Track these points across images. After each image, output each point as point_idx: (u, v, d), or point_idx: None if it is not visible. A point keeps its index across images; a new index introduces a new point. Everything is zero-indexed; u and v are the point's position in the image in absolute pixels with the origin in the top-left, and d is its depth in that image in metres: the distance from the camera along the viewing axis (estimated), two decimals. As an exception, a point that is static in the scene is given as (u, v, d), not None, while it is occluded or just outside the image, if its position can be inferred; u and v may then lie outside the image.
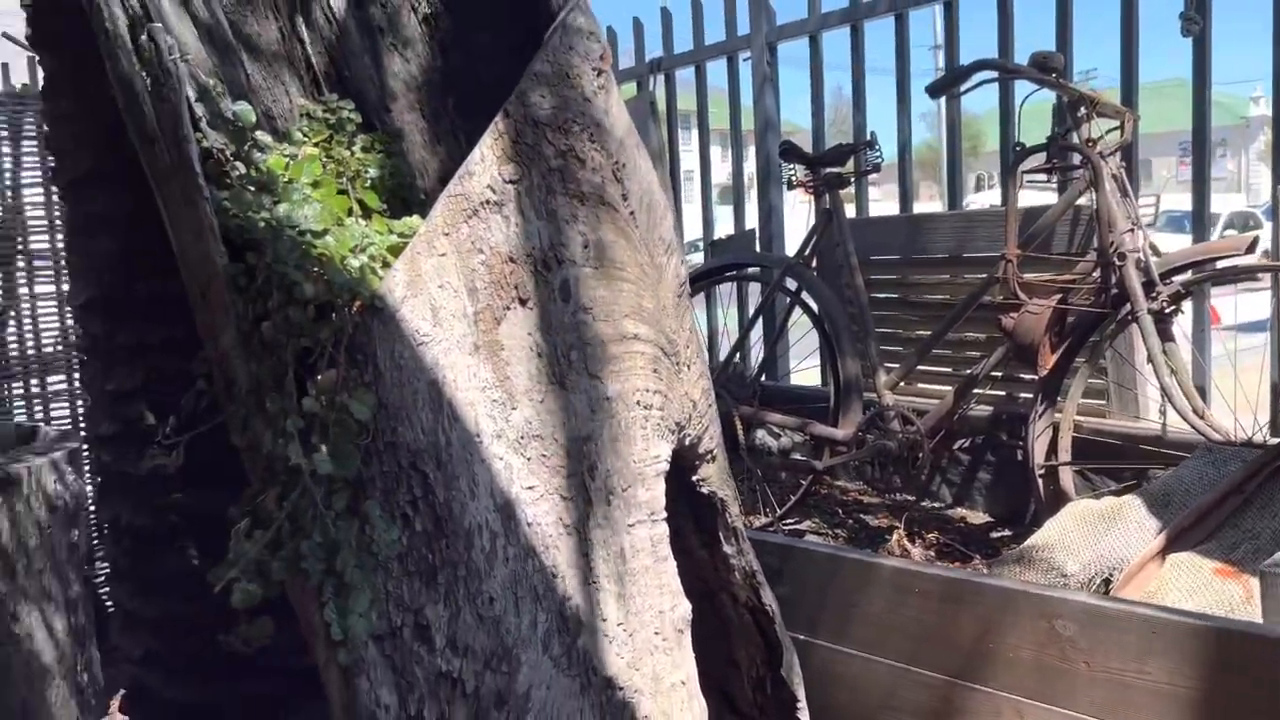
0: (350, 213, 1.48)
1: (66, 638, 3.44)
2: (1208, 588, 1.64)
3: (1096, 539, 1.84)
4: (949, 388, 2.90)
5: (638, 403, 1.34)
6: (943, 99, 3.27)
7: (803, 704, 1.72)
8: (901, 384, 3.03)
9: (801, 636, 1.83)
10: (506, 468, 1.25)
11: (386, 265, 1.29)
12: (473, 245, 1.24)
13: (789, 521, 3.06)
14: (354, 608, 1.19)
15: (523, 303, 1.26)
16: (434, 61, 1.67)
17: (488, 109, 1.35)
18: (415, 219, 1.34)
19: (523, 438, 1.27)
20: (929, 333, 3.00)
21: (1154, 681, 1.36)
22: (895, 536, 2.64)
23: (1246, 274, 2.38)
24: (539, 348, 1.26)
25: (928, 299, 3.34)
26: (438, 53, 1.66)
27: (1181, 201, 2.61)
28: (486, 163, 1.23)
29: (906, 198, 3.84)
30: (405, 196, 1.62)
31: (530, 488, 1.26)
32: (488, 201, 1.24)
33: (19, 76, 4.51)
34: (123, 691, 1.92)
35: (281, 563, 1.20)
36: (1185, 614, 1.38)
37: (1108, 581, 1.67)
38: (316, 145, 1.55)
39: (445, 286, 1.24)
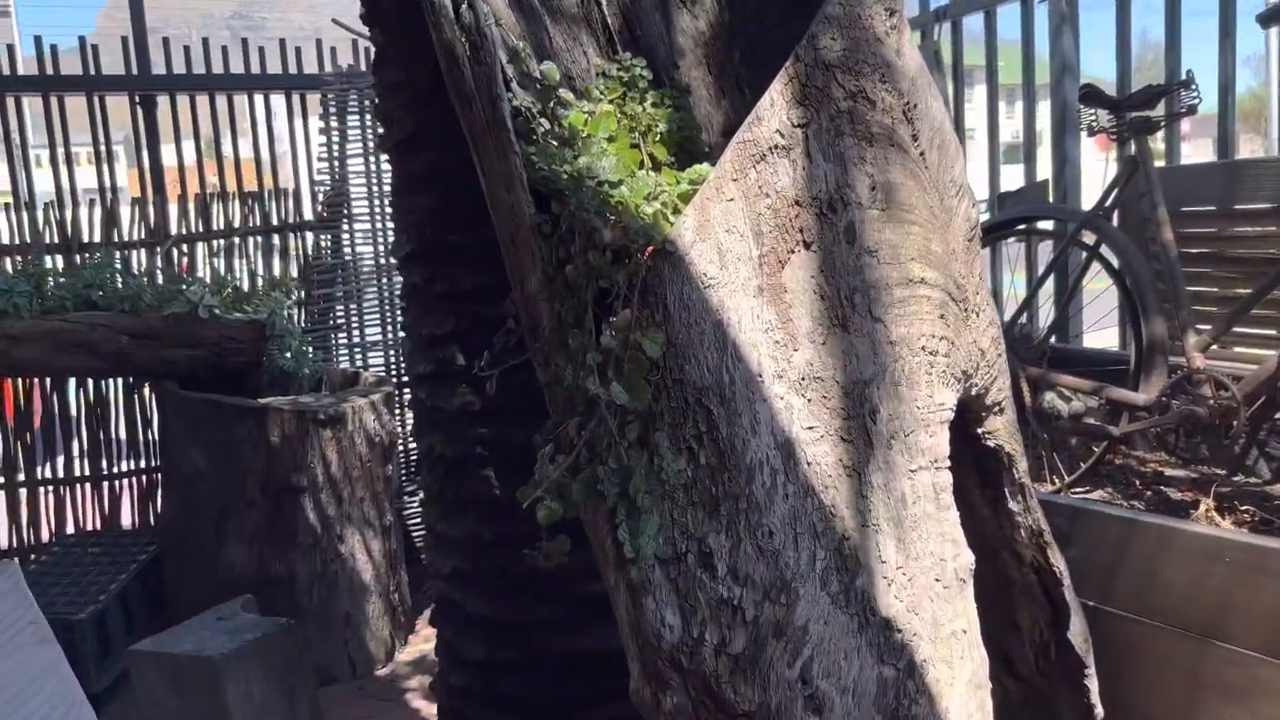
0: (641, 165, 1.56)
1: (382, 560, 3.89)
2: None
3: None
4: (1272, 351, 2.62)
5: (923, 348, 1.34)
6: (1274, 30, 2.92)
7: (1091, 671, 1.65)
8: (1215, 346, 2.77)
9: (1091, 603, 1.76)
10: (787, 408, 1.30)
11: (677, 211, 1.36)
12: (759, 190, 1.28)
13: (1078, 490, 2.90)
14: (644, 530, 1.28)
15: (807, 246, 1.29)
16: (720, 17, 1.72)
17: (774, 62, 1.38)
18: (704, 166, 1.40)
19: (803, 379, 1.30)
20: (1248, 290, 2.72)
21: None
22: (1202, 508, 2.44)
23: None
24: (821, 290, 1.29)
25: (1248, 253, 3.02)
26: (725, 7, 1.71)
27: None
28: (776, 108, 1.27)
29: (1226, 145, 3.47)
30: (692, 150, 1.68)
31: (810, 428, 1.30)
32: (775, 146, 1.27)
33: (344, 58, 5.06)
34: (433, 605, 2.15)
35: (581, 486, 1.31)
36: None
37: None
38: (611, 102, 1.65)
39: (732, 231, 1.29)
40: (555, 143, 1.47)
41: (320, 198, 4.78)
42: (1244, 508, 2.54)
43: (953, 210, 1.39)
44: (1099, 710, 1.66)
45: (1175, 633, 1.63)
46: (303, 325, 4.59)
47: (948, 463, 1.38)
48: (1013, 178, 4.57)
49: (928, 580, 1.35)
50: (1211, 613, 1.57)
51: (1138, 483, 2.93)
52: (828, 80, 1.27)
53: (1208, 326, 2.79)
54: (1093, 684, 1.65)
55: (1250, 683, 1.51)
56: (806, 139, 1.27)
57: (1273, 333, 2.89)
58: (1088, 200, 3.43)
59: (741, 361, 1.29)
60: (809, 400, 1.29)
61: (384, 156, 4.54)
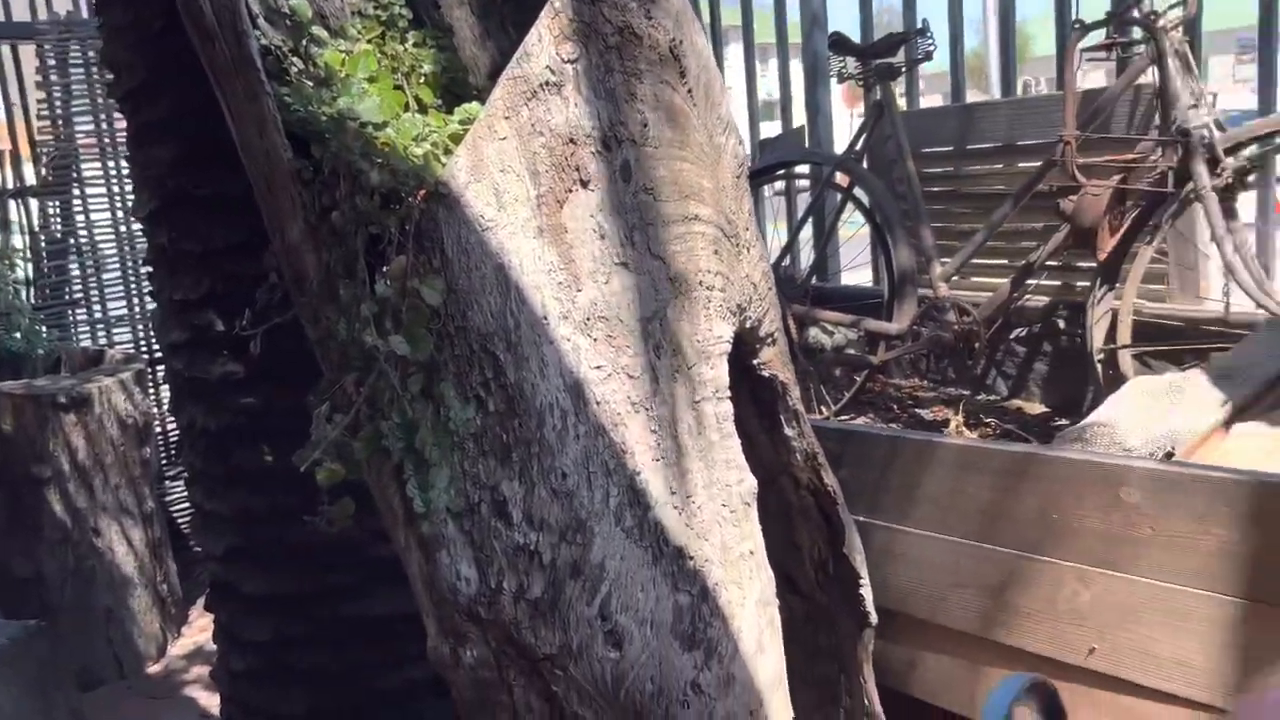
0: (406, 107, 1.50)
1: (145, 549, 3.62)
2: (1272, 457, 1.64)
3: (1159, 414, 1.84)
4: (1005, 279, 2.88)
5: (700, 283, 1.36)
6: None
7: (865, 580, 1.76)
8: (956, 276, 3.01)
9: (862, 519, 1.87)
10: (574, 349, 1.29)
11: (448, 153, 1.31)
12: (533, 128, 1.25)
13: (844, 418, 3.09)
14: (434, 483, 1.24)
15: (584, 185, 1.28)
16: (481, -47, 1.66)
17: (539, 2, 1.35)
18: (474, 105, 1.35)
19: (589, 319, 1.29)
20: (984, 224, 2.97)
21: (1220, 542, 1.38)
22: (953, 425, 2.66)
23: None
24: (602, 230, 1.28)
25: (982, 189, 3.29)
26: (485, -57, 1.65)
27: (1238, 101, 2.53)
28: (544, 43, 1.24)
29: (958, 91, 3.76)
30: (458, 92, 1.62)
31: (598, 367, 1.29)
32: (546, 83, 1.25)
33: (61, 5, 4.55)
34: (206, 591, 2.02)
35: (363, 443, 1.25)
36: (1252, 474, 1.39)
37: (1170, 455, 1.68)
38: (370, 42, 1.56)
39: (507, 171, 1.26)
40: (311, 83, 1.38)
41: (44, 160, 4.31)
42: (988, 420, 2.79)
43: (721, 147, 1.42)
44: (873, 616, 1.77)
45: (937, 538, 1.77)
46: (33, 303, 4.15)
47: (728, 393, 1.42)
48: (770, 133, 4.76)
49: (715, 507, 1.39)
50: (969, 517, 1.71)
51: (895, 407, 3.16)
52: (595, 15, 1.26)
53: (950, 259, 3.02)
54: (867, 593, 1.76)
55: (1006, 577, 1.66)
56: (577, 75, 1.25)
57: (1004, 262, 3.17)
58: (840, 147, 3.62)
59: (525, 304, 1.27)
60: (595, 340, 1.29)
61: (116, 110, 4.14)
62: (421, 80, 1.56)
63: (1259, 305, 2.26)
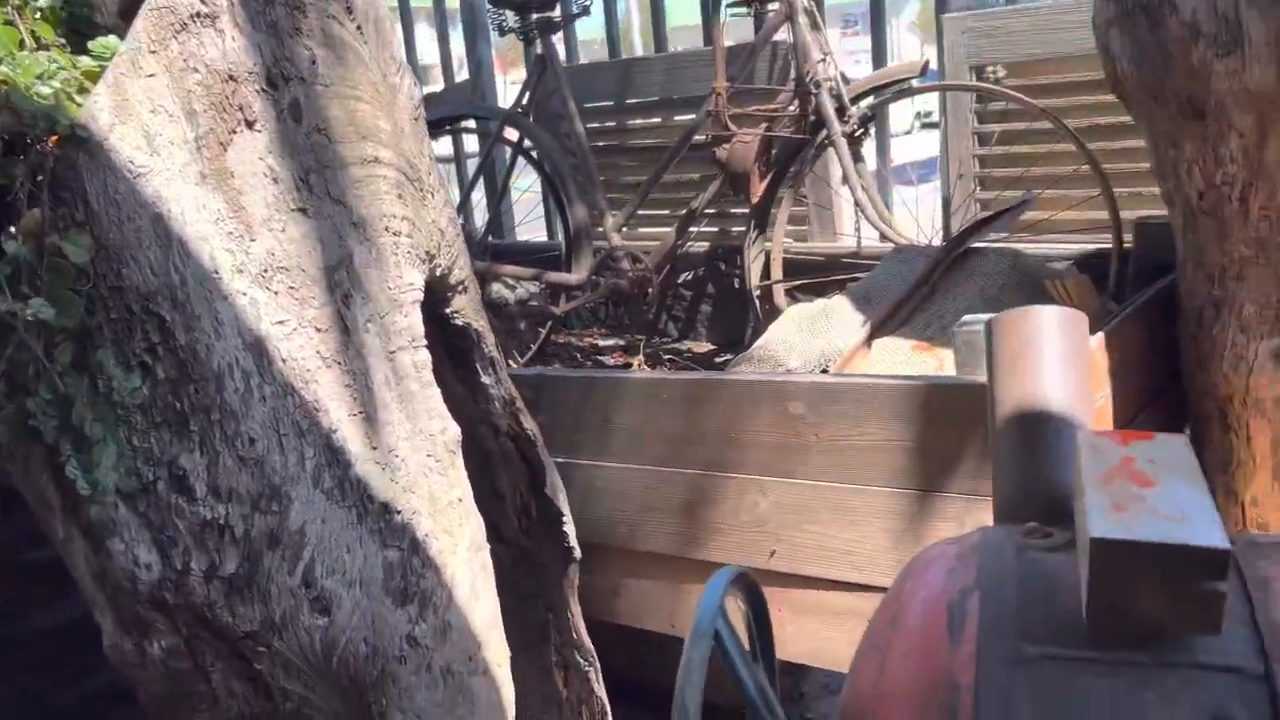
0: (22, 45, 1.31)
1: None
2: (909, 363, 1.87)
3: (812, 336, 2.04)
4: (670, 228, 3.04)
5: (386, 229, 1.31)
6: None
7: (568, 517, 1.81)
8: (626, 227, 3.12)
9: (562, 459, 1.91)
10: (252, 303, 1.19)
11: (84, 92, 1.16)
12: (186, 64, 1.14)
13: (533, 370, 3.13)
14: (100, 462, 1.11)
15: (250, 125, 1.18)
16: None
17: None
18: (112, 39, 1.21)
19: (266, 270, 1.20)
20: (648, 175, 3.10)
21: (873, 440, 1.55)
22: (635, 366, 2.78)
23: (920, 92, 2.64)
24: (274, 173, 1.20)
25: (644, 142, 3.43)
26: None
27: (848, 71, 2.84)
28: (191, -31, 1.12)
29: (614, 45, 3.88)
30: (84, 31, 1.44)
31: (281, 322, 1.21)
32: (197, 14, 1.13)
33: None
34: None
35: (6, 426, 1.10)
36: (894, 378, 1.57)
37: (825, 370, 1.87)
38: (-33, -32, 1.34)
39: (159, 111, 1.13)
40: (-103, 14, 1.16)
41: None
42: (665, 360, 2.94)
43: (396, 87, 1.37)
44: (577, 552, 1.82)
45: (632, 469, 1.84)
46: None
47: (424, 341, 1.38)
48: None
49: (420, 458, 1.35)
50: (658, 445, 1.79)
51: (579, 355, 3.25)
52: (248, -60, 1.16)
53: (620, 210, 3.13)
54: (570, 529, 1.81)
55: (694, 496, 1.77)
56: (232, 6, 1.15)
57: (668, 211, 3.34)
58: (503, 104, 3.62)
59: (191, 258, 1.16)
60: (276, 293, 1.20)
61: None
62: (37, 15, 1.37)
63: (885, 237, 2.56)
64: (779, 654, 1.89)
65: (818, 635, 1.70)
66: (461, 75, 4.34)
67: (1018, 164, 2.70)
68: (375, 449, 1.30)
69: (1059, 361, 0.91)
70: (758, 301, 2.71)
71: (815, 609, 1.68)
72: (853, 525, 1.61)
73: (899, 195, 3.30)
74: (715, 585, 0.86)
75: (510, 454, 1.80)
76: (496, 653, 1.49)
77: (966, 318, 1.47)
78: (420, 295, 1.39)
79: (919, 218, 2.73)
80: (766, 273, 2.72)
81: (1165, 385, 1.86)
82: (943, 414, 1.50)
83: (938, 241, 2.47)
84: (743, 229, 2.88)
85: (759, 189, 2.67)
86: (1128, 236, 2.19)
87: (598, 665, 2.02)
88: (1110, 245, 2.21)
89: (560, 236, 3.18)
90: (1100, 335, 1.56)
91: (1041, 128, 2.46)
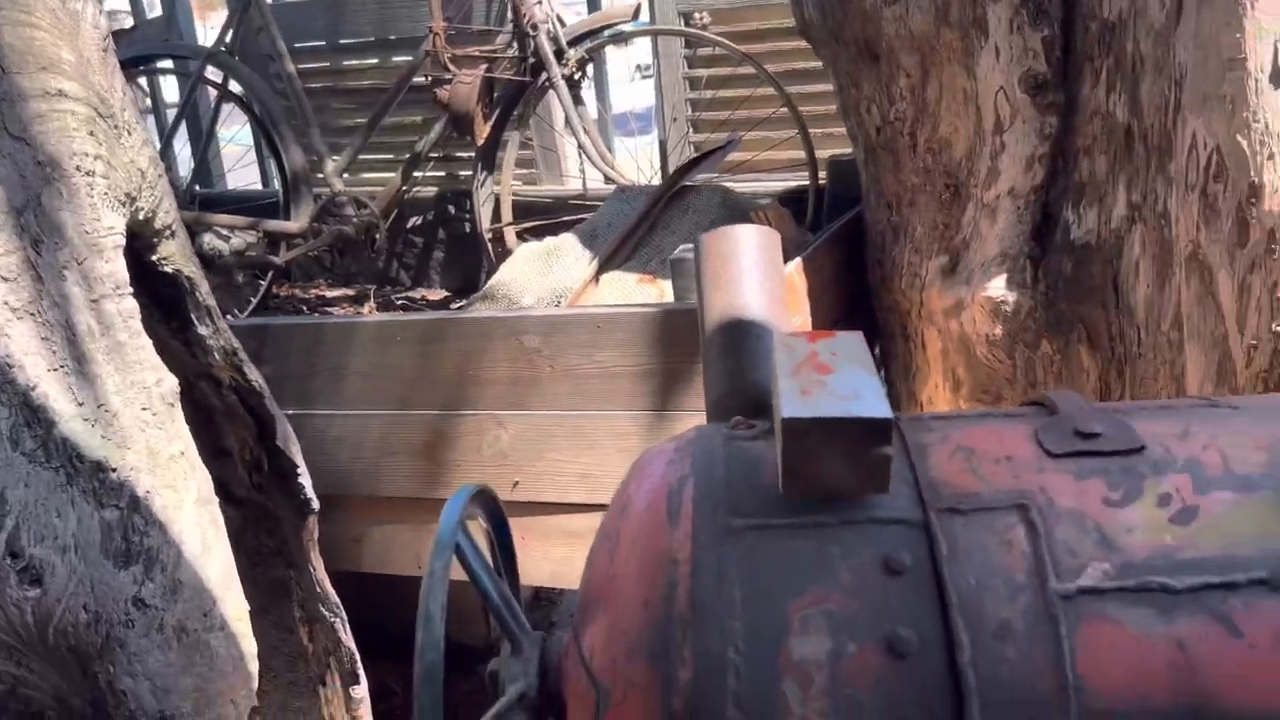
0: None
1: None
2: (635, 294, 1.97)
3: (543, 274, 2.09)
4: (395, 172, 2.97)
5: (78, 168, 1.22)
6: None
7: (302, 470, 1.77)
8: (348, 173, 3.03)
9: (293, 411, 1.86)
10: (-79, 252, 1.08)
11: None
12: None
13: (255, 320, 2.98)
14: None
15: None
16: None
17: None
18: None
19: (-62, 216, 1.09)
20: (367, 117, 3.02)
21: (603, 368, 1.63)
22: (366, 312, 2.72)
23: (633, 36, 2.74)
24: (-60, 108, 1.08)
25: (361, 84, 3.33)
26: None
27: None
28: None
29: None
30: None
31: (-42, 272, 1.11)
32: None
33: None
34: None
35: None
36: (620, 306, 1.66)
37: (558, 304, 1.92)
38: None
39: None
40: None
41: None
42: (399, 306, 2.90)
43: (78, 14, 1.26)
44: (314, 503, 1.79)
45: (368, 414, 1.83)
46: None
47: (129, 289, 1.30)
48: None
49: (135, 412, 1.28)
50: (394, 388, 1.79)
51: (305, 308, 3.13)
52: None
53: (340, 155, 3.03)
54: (305, 481, 1.77)
55: (434, 437, 1.78)
56: None
57: (391, 156, 3.27)
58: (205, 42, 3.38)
59: None
60: (-50, 240, 1.09)
61: None
62: None
63: (608, 179, 2.65)
64: (525, 581, 1.96)
65: (559, 558, 1.78)
66: (155, 14, 3.98)
67: (725, 107, 2.87)
68: (82, 405, 1.22)
69: (756, 274, 1.00)
70: (490, 245, 2.73)
71: (557, 533, 1.75)
72: (590, 450, 1.69)
73: (621, 144, 3.41)
74: (455, 500, 0.90)
75: (235, 408, 1.73)
76: (234, 608, 1.45)
77: (681, 248, 1.58)
78: (122, 240, 1.30)
79: (639, 161, 2.84)
80: (497, 215, 2.73)
81: (858, 305, 2.07)
82: (667, 338, 1.60)
83: (656, 181, 2.59)
84: (470, 173, 2.88)
85: (483, 131, 2.67)
86: (823, 174, 2.40)
87: (344, 616, 2.00)
88: (808, 182, 2.41)
89: (276, 183, 3.03)
90: (798, 261, 1.71)
91: (746, 72, 2.63)
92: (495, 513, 1.01)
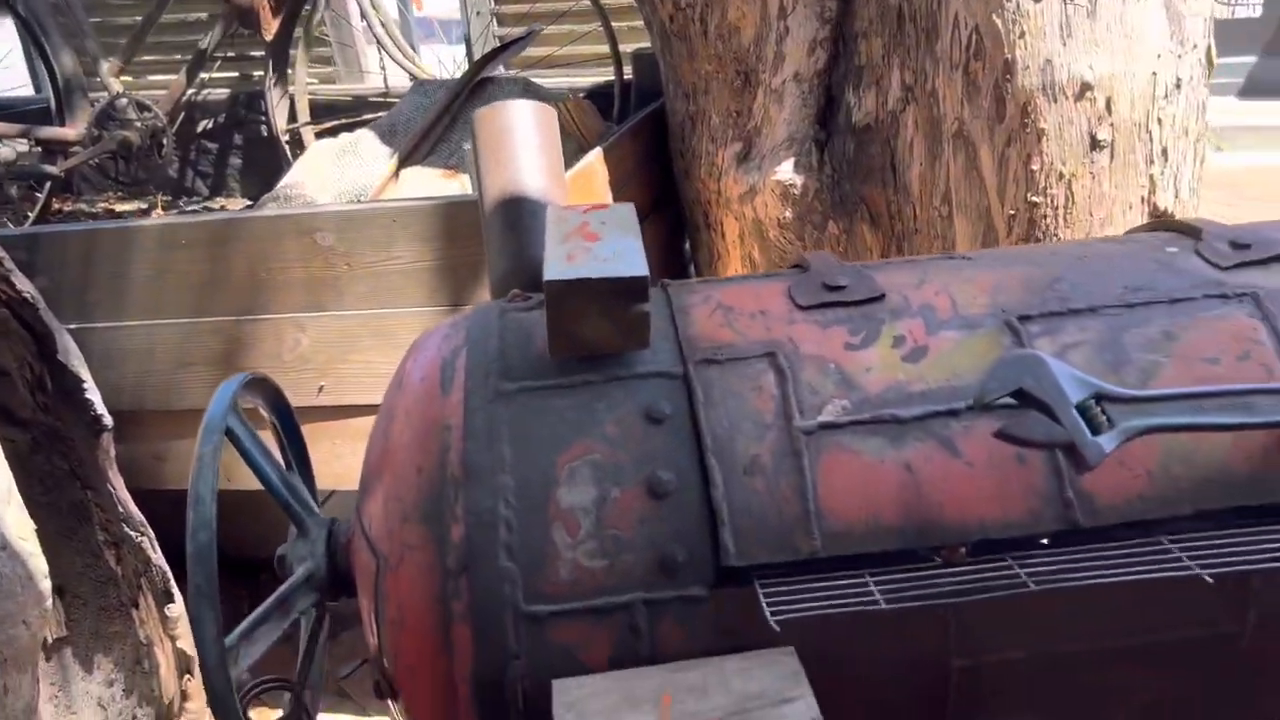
0: None
1: None
2: (436, 189, 1.93)
3: (340, 171, 2.02)
4: (179, 73, 2.78)
5: None
6: None
7: (89, 384, 1.68)
8: (127, 74, 2.82)
9: (74, 325, 1.75)
10: None
11: None
12: None
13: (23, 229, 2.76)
14: None
15: None
16: None
17: None
18: None
19: None
20: (144, 14, 2.80)
21: (403, 263, 1.61)
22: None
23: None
24: None
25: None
26: None
27: None
28: None
29: None
30: None
31: None
32: None
33: None
34: None
35: None
36: (415, 199, 1.63)
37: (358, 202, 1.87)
38: None
39: None
40: None
41: None
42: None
43: None
44: (107, 420, 1.71)
45: (157, 325, 1.74)
46: None
47: None
48: None
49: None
50: (183, 295, 1.71)
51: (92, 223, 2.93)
52: None
53: (116, 55, 2.81)
54: (94, 396, 1.68)
55: (230, 344, 1.72)
56: None
57: (177, 56, 3.05)
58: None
59: None
60: None
61: None
62: None
63: (410, 75, 2.56)
64: (336, 485, 1.94)
65: (373, 459, 1.77)
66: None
67: (528, 0, 2.81)
68: None
69: (531, 149, 1.01)
70: (288, 147, 2.61)
71: (365, 435, 1.73)
72: (394, 350, 1.67)
73: (431, 50, 3.29)
74: (225, 387, 0.88)
75: (7, 322, 1.62)
76: (17, 526, 1.38)
77: (476, 138, 1.55)
78: None
79: (442, 58, 2.76)
80: (294, 116, 2.61)
81: (667, 197, 2.10)
82: (467, 230, 1.58)
83: (458, 75, 2.52)
84: (263, 72, 2.73)
85: (271, 26, 2.53)
86: (629, 68, 2.40)
87: (151, 534, 1.93)
88: (613, 76, 2.40)
89: (48, 88, 2.79)
90: (598, 151, 1.72)
91: (549, -36, 2.58)
92: (277, 401, 1.00)
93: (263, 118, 2.70)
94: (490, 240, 1.02)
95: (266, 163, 2.86)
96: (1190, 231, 0.91)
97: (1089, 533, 0.75)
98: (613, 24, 2.42)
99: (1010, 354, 0.70)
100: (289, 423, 1.02)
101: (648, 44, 2.44)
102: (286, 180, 2.01)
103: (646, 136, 1.99)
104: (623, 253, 0.80)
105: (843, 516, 0.74)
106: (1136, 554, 0.73)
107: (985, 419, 0.75)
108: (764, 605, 0.70)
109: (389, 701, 0.81)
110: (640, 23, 2.58)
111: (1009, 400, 0.69)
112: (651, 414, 0.78)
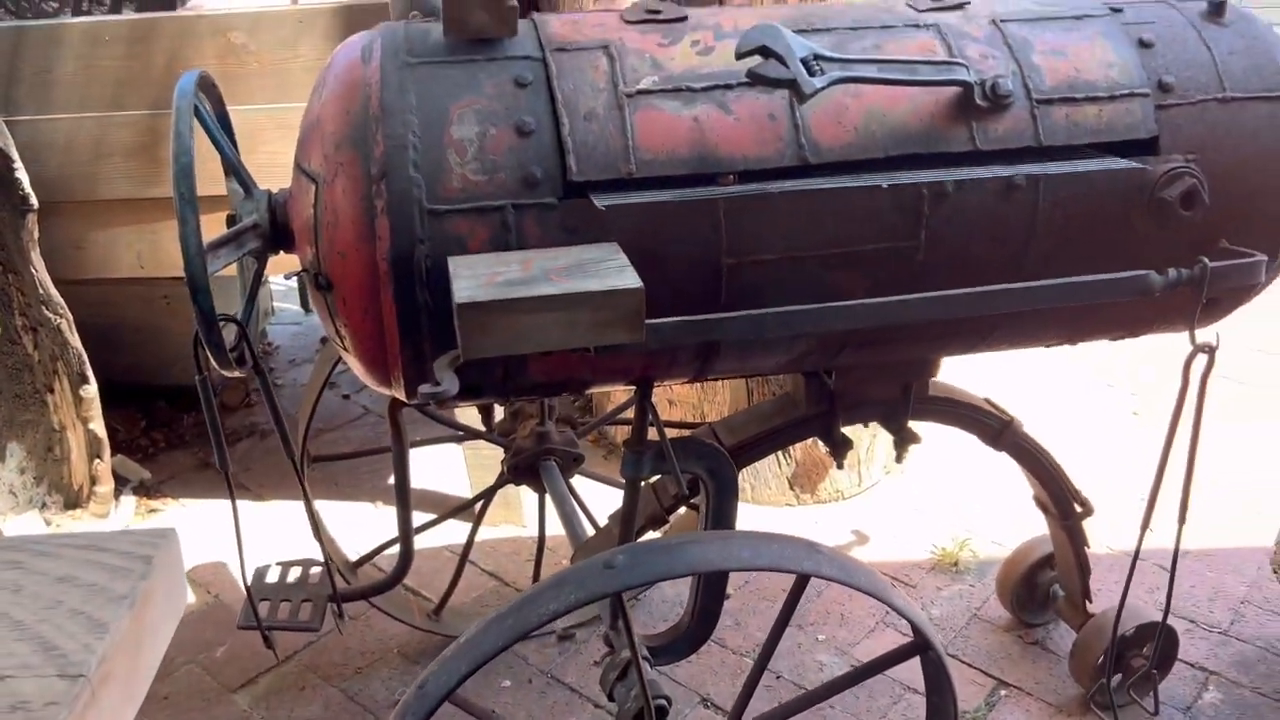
0: None
1: None
2: None
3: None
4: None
5: None
6: None
7: (18, 164, 1.83)
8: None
9: (2, 118, 1.89)
10: None
11: None
12: None
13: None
14: None
15: None
16: None
17: None
18: None
19: None
20: None
21: (306, 61, 1.82)
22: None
23: None
24: None
25: None
26: None
27: None
28: None
29: None
30: None
31: None
32: None
33: None
34: None
35: None
36: (321, 2, 1.83)
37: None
38: None
39: None
40: None
41: None
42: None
43: None
44: (32, 199, 1.86)
45: (80, 118, 1.90)
46: None
47: None
48: None
49: None
50: (105, 90, 1.87)
51: None
52: None
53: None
54: (22, 176, 1.83)
55: (151, 136, 1.90)
56: None
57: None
58: None
59: None
60: None
61: None
62: None
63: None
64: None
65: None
66: None
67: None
68: None
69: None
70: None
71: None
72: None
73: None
74: (189, 74, 1.11)
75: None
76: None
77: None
78: None
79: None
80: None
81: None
82: (359, 29, 1.79)
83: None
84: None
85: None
86: None
87: (69, 316, 2.08)
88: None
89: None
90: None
91: None
92: (216, 97, 1.22)
93: None
94: (392, -7, 1.27)
95: None
96: (905, -8, 1.25)
97: (816, 169, 1.07)
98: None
99: (758, 25, 1.01)
100: (226, 121, 1.25)
101: None
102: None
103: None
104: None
105: (651, 150, 1.04)
106: (845, 184, 1.06)
107: (750, 91, 1.07)
108: (596, 203, 1.00)
109: (322, 294, 1.08)
110: None
111: (759, 59, 1.00)
112: (519, 81, 1.06)
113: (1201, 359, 1.15)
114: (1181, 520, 1.24)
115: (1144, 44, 1.18)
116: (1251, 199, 1.17)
